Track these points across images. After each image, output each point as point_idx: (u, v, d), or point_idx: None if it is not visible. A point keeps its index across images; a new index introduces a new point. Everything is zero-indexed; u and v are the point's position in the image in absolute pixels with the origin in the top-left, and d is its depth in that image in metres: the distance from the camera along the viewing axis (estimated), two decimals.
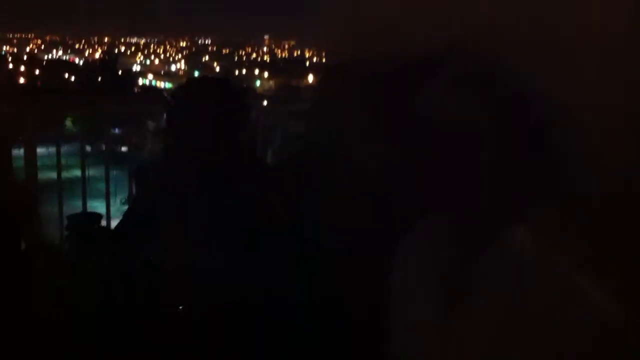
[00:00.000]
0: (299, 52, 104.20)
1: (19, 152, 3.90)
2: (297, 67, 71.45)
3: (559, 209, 1.31)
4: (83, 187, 4.14)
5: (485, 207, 1.35)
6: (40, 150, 3.98)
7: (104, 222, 2.85)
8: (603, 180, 1.35)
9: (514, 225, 1.30)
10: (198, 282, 2.15)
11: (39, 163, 3.91)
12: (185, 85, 2.94)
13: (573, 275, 1.21)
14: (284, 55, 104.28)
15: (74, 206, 4.54)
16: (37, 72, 60.11)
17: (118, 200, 4.83)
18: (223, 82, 2.84)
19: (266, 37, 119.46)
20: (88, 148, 4.45)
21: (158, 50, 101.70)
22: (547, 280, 1.22)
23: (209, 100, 2.60)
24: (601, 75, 1.56)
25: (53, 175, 4.24)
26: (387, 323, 1.63)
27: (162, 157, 2.74)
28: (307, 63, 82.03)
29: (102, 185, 4.82)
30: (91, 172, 4.19)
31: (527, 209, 1.31)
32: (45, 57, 78.90)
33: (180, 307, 2.28)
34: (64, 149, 4.34)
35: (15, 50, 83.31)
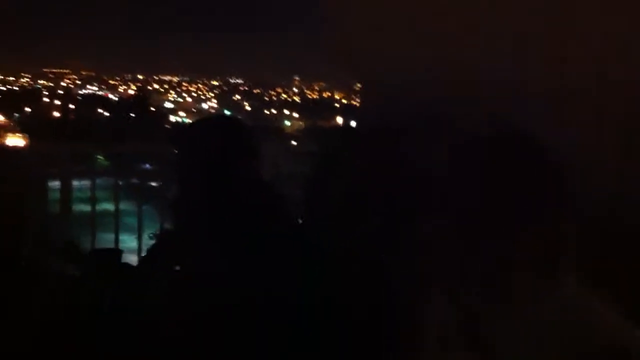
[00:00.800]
0: (329, 94, 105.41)
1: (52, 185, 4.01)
2: (326, 108, 72.21)
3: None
4: (116, 221, 4.23)
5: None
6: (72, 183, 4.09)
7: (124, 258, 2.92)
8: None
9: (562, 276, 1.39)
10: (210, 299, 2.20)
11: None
12: (185, 127, 2.93)
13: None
14: (314, 96, 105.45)
15: (104, 239, 4.63)
16: (71, 106, 61.43)
17: (146, 235, 4.91)
18: (222, 121, 2.82)
19: (296, 78, 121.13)
20: (119, 182, 4.55)
21: (190, 89, 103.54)
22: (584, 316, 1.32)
23: (208, 139, 2.61)
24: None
25: (82, 207, 4.34)
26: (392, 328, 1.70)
27: (178, 196, 2.79)
28: (337, 105, 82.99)
29: (129, 219, 4.89)
30: (121, 206, 4.27)
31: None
32: (80, 92, 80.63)
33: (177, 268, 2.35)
34: (96, 182, 4.45)
35: (51, 84, 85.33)
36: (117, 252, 2.88)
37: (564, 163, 1.41)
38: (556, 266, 1.39)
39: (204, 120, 2.84)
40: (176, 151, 2.62)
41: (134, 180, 4.96)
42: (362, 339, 1.95)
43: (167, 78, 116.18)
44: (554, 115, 2.08)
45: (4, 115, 49.55)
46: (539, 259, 1.38)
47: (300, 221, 2.65)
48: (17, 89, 76.29)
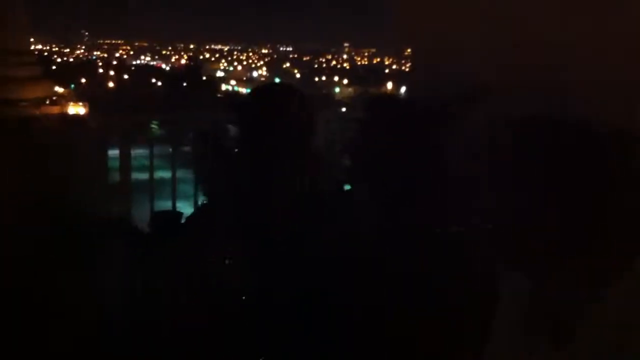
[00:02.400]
0: (378, 60, 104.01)
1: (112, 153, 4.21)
2: (376, 74, 71.19)
3: None
4: (173, 188, 4.42)
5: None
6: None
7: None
8: None
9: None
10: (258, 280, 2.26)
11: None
12: (250, 94, 2.96)
13: None
14: (363, 62, 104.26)
15: (162, 207, 4.84)
16: (125, 77, 62.24)
17: (201, 202, 5.11)
18: (283, 89, 2.85)
19: (346, 44, 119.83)
20: (174, 150, 4.74)
21: (241, 57, 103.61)
22: None
23: (272, 106, 2.64)
24: None
25: (139, 176, 4.53)
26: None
27: (230, 161, 2.85)
28: (387, 71, 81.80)
29: (184, 187, 5.08)
30: (177, 174, 4.46)
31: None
32: (134, 63, 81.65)
33: (227, 261, 2.38)
34: (148, 151, 4.62)
35: (105, 55, 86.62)
36: (177, 215, 3.04)
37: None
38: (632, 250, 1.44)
39: (264, 87, 2.91)
40: (237, 118, 2.68)
41: (187, 148, 5.13)
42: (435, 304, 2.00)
43: (218, 47, 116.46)
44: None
45: (61, 85, 50.71)
46: (617, 242, 1.44)
47: (348, 187, 2.73)
48: (72, 60, 77.66)
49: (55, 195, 3.42)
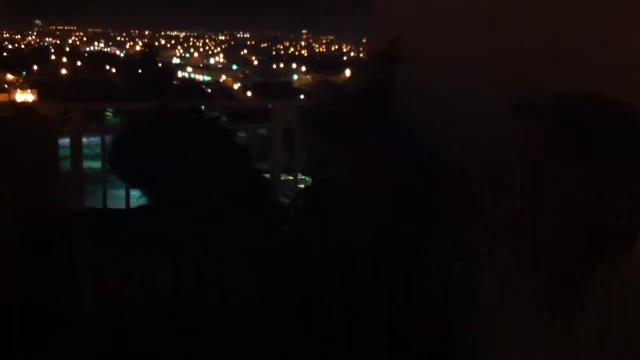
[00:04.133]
0: (336, 47, 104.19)
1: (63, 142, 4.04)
2: (334, 62, 71.42)
3: None
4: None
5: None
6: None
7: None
8: None
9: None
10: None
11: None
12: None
13: None
14: (322, 50, 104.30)
15: (115, 195, 4.68)
16: (79, 63, 61.11)
17: None
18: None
19: (304, 31, 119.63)
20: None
21: (197, 44, 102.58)
22: None
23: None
24: None
25: (92, 164, 4.36)
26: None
27: None
28: (345, 58, 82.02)
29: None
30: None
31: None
32: (87, 49, 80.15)
33: None
34: (99, 140, 4.43)
35: (58, 42, 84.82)
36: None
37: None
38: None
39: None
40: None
41: None
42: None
43: (174, 34, 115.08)
44: None
45: (12, 73, 49.44)
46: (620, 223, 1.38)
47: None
48: (24, 47, 75.94)
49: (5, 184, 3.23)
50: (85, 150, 4.06)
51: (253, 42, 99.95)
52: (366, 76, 2.55)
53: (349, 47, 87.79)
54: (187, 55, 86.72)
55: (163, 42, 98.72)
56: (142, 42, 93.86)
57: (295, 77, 63.86)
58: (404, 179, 2.06)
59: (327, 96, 2.65)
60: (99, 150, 4.18)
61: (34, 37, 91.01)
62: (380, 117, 2.27)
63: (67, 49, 72.97)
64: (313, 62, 74.63)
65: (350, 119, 2.21)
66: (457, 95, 2.38)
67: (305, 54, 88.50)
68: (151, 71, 52.75)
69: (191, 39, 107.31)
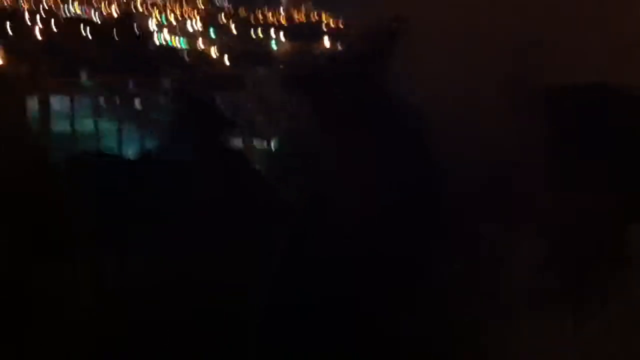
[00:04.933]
0: (315, 15, 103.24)
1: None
2: (313, 30, 70.83)
3: None
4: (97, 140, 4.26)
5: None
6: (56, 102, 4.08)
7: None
8: None
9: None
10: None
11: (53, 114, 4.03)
12: None
13: None
14: (301, 19, 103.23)
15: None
16: (53, 28, 59.82)
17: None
18: None
19: None
20: (103, 103, 4.55)
21: (174, 9, 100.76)
22: None
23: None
24: None
25: (66, 126, 4.35)
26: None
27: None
28: (324, 27, 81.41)
29: (110, 140, 4.91)
30: (105, 126, 4.29)
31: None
32: (62, 12, 78.41)
33: None
34: (81, 102, 4.42)
35: (31, 4, 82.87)
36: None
37: None
38: None
39: None
40: None
41: (117, 100, 4.94)
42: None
43: None
44: None
45: None
46: None
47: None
48: None
49: None
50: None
51: (231, 9, 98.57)
52: (360, 48, 2.51)
53: (328, 16, 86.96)
54: (164, 20, 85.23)
55: (140, 8, 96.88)
56: (117, 3, 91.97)
57: (274, 45, 63.27)
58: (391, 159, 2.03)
59: (313, 64, 2.58)
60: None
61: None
62: (377, 91, 2.23)
63: (43, 13, 71.33)
64: (292, 30, 73.90)
65: (345, 87, 2.18)
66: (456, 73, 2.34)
67: (285, 23, 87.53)
68: (128, 38, 51.92)
69: (168, 4, 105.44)
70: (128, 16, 66.25)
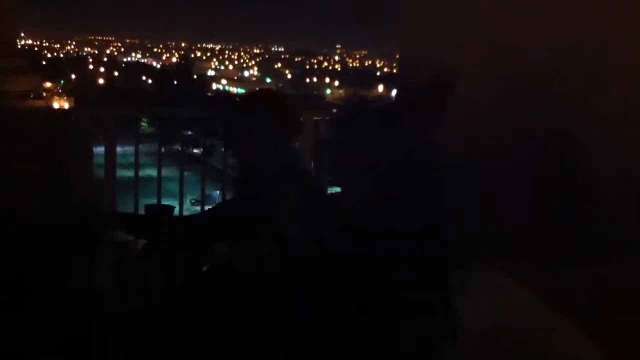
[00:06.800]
0: (370, 62, 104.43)
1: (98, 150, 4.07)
2: (367, 77, 71.51)
3: None
4: (158, 185, 4.28)
5: None
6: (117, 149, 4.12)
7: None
8: None
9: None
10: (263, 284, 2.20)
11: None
12: (236, 101, 2.95)
13: None
14: (355, 64, 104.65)
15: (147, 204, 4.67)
16: (115, 73, 62.08)
17: (188, 201, 4.97)
18: (269, 95, 2.85)
19: (338, 46, 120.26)
20: (162, 149, 4.58)
21: (232, 56, 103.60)
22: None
23: (255, 114, 2.63)
24: None
25: (126, 173, 4.38)
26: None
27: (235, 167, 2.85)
28: (378, 73, 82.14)
29: (171, 185, 4.94)
30: (163, 172, 4.31)
31: None
32: (124, 60, 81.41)
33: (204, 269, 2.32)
34: (139, 149, 4.48)
35: (96, 52, 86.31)
36: (169, 208, 2.92)
37: None
38: None
39: (250, 94, 2.89)
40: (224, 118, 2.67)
41: (176, 147, 5.00)
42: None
43: (210, 46, 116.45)
44: None
45: (51, 80, 50.43)
46: None
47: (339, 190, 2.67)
48: (62, 56, 77.38)
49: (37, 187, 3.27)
50: (119, 159, 4.07)
51: (287, 56, 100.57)
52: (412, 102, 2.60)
53: (381, 62, 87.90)
54: (222, 67, 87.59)
55: (199, 54, 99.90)
56: (178, 53, 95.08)
57: (328, 91, 64.00)
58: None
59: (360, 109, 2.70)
60: (132, 159, 4.21)
61: (72, 46, 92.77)
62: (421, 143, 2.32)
63: (105, 58, 74.18)
64: (346, 76, 74.81)
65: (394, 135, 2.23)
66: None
67: (339, 68, 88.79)
68: (186, 82, 53.31)
69: (226, 52, 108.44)
70: (187, 63, 68.36)
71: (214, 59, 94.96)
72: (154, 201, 4.01)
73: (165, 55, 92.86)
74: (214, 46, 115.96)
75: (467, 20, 2.88)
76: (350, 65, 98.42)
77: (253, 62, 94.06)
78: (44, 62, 61.68)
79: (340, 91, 62.28)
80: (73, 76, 57.66)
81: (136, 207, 4.04)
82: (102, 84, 56.73)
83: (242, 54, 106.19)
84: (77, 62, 67.49)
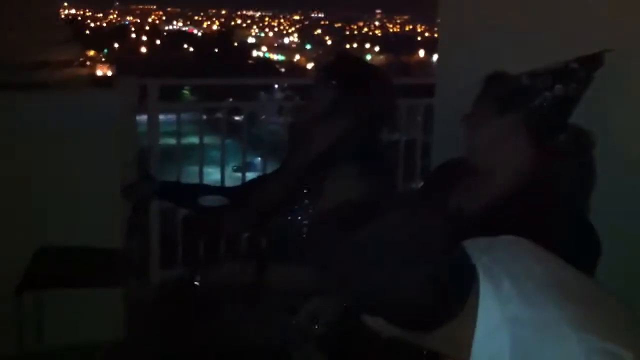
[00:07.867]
0: (410, 28, 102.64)
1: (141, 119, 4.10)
2: (408, 42, 70.43)
3: None
4: (201, 154, 4.31)
5: None
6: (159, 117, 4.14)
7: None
8: None
9: None
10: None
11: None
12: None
13: None
14: (395, 30, 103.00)
15: (189, 172, 4.71)
16: (157, 42, 62.41)
17: (230, 168, 4.98)
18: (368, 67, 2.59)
19: (378, 11, 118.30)
20: (204, 117, 4.59)
21: (272, 24, 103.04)
22: None
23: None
24: None
25: (169, 141, 4.40)
26: None
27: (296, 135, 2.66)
28: (419, 38, 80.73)
29: (214, 153, 4.96)
30: (205, 139, 4.32)
31: None
32: (166, 28, 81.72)
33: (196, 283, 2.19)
34: (181, 117, 4.50)
35: (138, 20, 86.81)
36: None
37: None
38: None
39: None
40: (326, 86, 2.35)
41: (218, 115, 4.99)
42: None
43: (250, 13, 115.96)
44: None
45: (94, 49, 50.91)
46: None
47: None
48: (105, 25, 78.04)
49: None
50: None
51: (327, 22, 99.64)
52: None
53: (423, 27, 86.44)
54: (262, 34, 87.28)
55: (239, 21, 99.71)
56: (219, 21, 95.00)
57: (369, 57, 63.43)
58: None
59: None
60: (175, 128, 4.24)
61: (115, 15, 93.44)
62: None
63: (147, 27, 74.58)
64: (387, 42, 73.81)
65: None
66: None
67: (379, 34, 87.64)
68: (227, 50, 53.31)
69: (266, 19, 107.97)
70: (228, 31, 68.14)
71: (254, 27, 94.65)
72: (195, 169, 4.05)
73: (206, 23, 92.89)
74: (253, 13, 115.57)
75: None
76: (391, 30, 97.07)
77: (293, 29, 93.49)
78: (87, 32, 62.34)
79: (381, 57, 61.55)
80: (116, 45, 58.21)
81: (178, 175, 4.07)
82: (144, 53, 57.14)
83: (281, 20, 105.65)
84: (119, 31, 68.00)
